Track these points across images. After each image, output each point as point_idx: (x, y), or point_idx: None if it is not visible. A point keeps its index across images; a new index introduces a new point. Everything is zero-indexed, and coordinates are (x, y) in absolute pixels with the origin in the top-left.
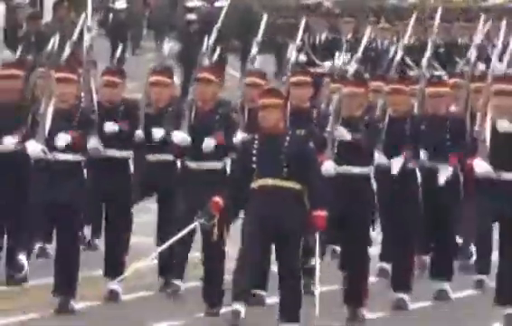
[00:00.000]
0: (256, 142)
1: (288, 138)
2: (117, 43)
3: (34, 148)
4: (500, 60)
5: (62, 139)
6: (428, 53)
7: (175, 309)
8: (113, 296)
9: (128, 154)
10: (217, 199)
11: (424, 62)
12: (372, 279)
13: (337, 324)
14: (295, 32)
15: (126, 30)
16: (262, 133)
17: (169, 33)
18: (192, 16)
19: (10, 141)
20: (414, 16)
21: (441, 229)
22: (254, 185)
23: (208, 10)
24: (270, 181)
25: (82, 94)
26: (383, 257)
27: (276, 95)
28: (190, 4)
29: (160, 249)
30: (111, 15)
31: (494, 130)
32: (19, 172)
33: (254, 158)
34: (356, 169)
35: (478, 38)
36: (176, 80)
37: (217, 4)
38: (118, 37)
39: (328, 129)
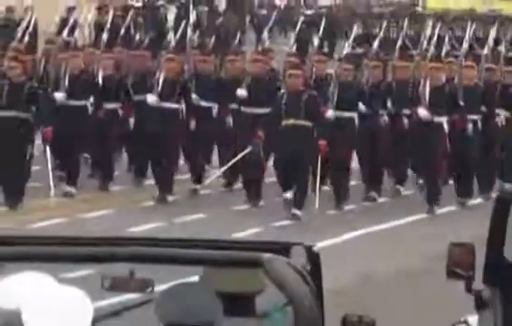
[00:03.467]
0: (285, 97)
1: (305, 95)
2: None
3: (152, 99)
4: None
5: None
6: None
7: (233, 200)
8: (195, 193)
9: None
10: (260, 133)
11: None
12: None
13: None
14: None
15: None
16: (289, 91)
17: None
18: (308, 12)
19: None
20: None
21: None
22: (283, 123)
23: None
24: (292, 121)
25: (186, 67)
26: None
27: (297, 68)
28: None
29: (224, 168)
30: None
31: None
32: None
33: (283, 107)
34: (346, 114)
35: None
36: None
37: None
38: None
39: (331, 89)
